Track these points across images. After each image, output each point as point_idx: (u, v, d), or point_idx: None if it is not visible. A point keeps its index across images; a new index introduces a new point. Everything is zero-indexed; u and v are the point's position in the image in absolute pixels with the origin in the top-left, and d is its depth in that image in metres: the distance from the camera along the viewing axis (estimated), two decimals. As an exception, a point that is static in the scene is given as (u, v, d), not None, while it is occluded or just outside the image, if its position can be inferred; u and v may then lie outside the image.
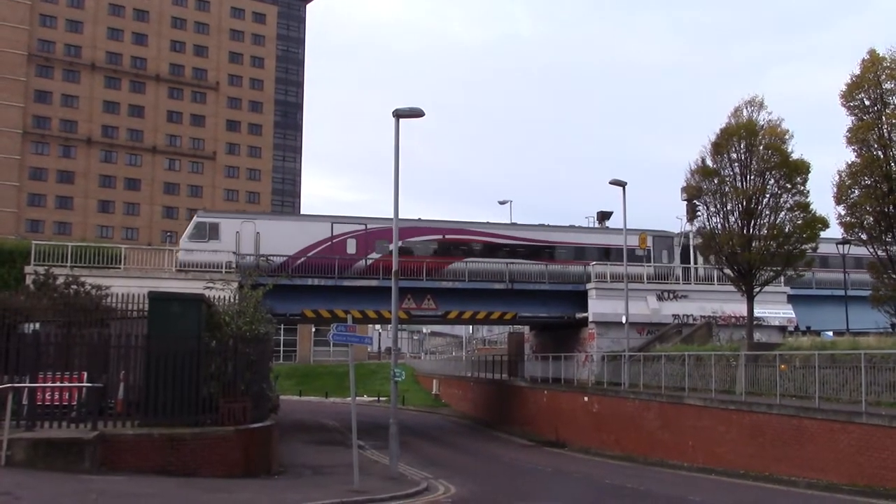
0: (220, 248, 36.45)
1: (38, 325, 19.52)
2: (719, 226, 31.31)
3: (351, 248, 39.58)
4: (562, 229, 45.82)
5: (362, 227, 40.44)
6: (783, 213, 30.15)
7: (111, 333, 18.94)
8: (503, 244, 42.58)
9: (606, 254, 43.59)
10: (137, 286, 27.26)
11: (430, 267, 40.03)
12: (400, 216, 24.49)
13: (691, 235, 43.82)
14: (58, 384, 17.13)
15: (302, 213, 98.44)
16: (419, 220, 42.64)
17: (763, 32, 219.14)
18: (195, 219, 39.84)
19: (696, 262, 43.12)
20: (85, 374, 17.22)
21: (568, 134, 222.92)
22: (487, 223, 44.17)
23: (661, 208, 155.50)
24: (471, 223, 43.79)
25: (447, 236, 42.25)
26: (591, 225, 51.22)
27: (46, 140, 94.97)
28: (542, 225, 45.63)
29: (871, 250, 27.72)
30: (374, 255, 39.35)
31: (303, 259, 38.25)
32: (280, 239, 38.38)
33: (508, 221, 48.48)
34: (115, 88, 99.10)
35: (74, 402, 17.27)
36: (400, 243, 39.39)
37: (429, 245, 41.60)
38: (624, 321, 36.30)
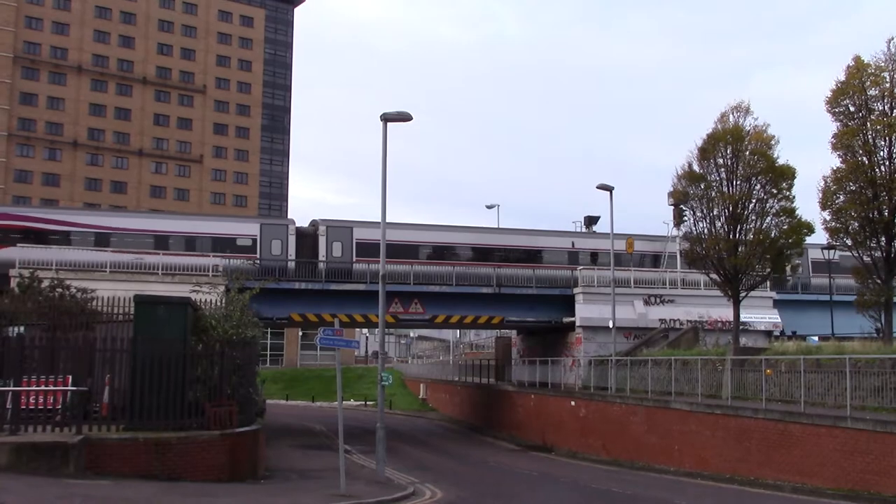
0: None
1: (22, 329, 19.38)
2: (706, 230, 31.48)
3: None
4: (131, 214, 42.48)
5: None
6: (769, 218, 30.38)
7: (96, 337, 18.83)
8: (56, 231, 37.79)
9: (192, 243, 39.32)
10: (123, 289, 27.12)
11: None
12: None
13: (322, 225, 41.01)
14: (42, 388, 17.02)
15: (281, 216, 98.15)
16: None
17: (750, 36, 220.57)
18: None
19: (327, 255, 39.97)
20: (70, 378, 17.11)
21: (556, 136, 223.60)
22: (40, 208, 40.58)
23: (648, 212, 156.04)
24: (18, 208, 40.38)
25: None
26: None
27: (32, 142, 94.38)
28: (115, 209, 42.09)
29: (856, 255, 27.95)
30: None
31: None
32: None
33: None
34: (101, 91, 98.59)
35: (59, 406, 17.15)
36: None
37: None
38: (611, 325, 36.37)
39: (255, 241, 39.55)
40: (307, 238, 40.85)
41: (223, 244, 38.65)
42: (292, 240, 40.11)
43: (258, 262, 38.82)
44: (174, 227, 40.19)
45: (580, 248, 45.50)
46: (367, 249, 38.69)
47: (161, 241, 38.89)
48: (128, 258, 35.09)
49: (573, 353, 40.38)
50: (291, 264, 39.39)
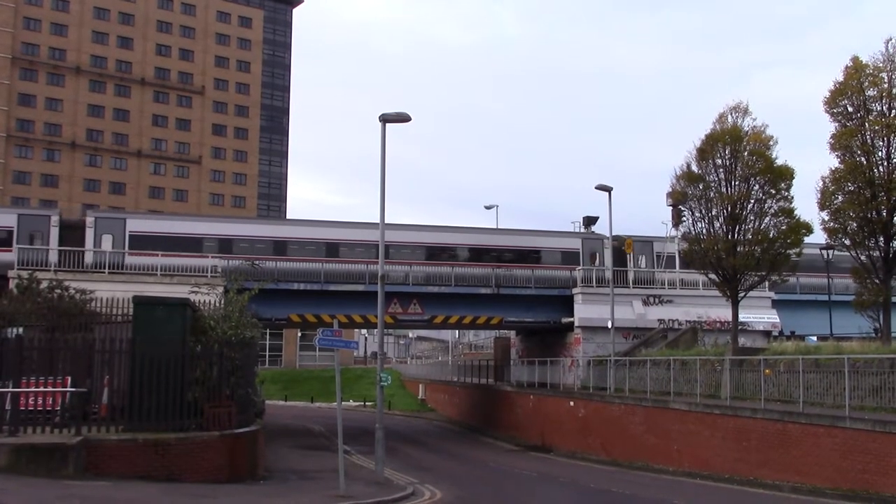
0: None
1: (21, 330, 19.38)
2: (704, 231, 31.49)
3: None
4: None
5: None
6: (767, 218, 30.39)
7: (95, 338, 18.83)
8: None
9: None
10: (122, 290, 27.13)
11: None
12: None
13: (91, 216, 38.52)
14: (41, 389, 17.02)
15: (286, 217, 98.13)
16: None
17: (750, 37, 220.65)
18: None
19: (94, 248, 36.80)
20: (69, 379, 17.10)
21: (555, 137, 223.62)
22: None
23: (647, 213, 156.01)
24: None
25: None
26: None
27: (30, 143, 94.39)
28: None
29: (855, 255, 27.98)
30: None
31: None
32: None
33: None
34: (99, 92, 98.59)
35: (58, 407, 17.16)
36: None
37: None
38: (610, 326, 36.39)
39: (10, 232, 36.53)
40: (74, 230, 38.14)
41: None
42: (55, 231, 37.15)
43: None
44: None
45: (392, 241, 40.90)
46: (143, 242, 37.15)
47: None
48: None
49: (572, 354, 40.39)
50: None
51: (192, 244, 38.51)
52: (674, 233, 42.00)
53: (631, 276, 42.32)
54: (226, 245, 39.37)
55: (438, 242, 42.96)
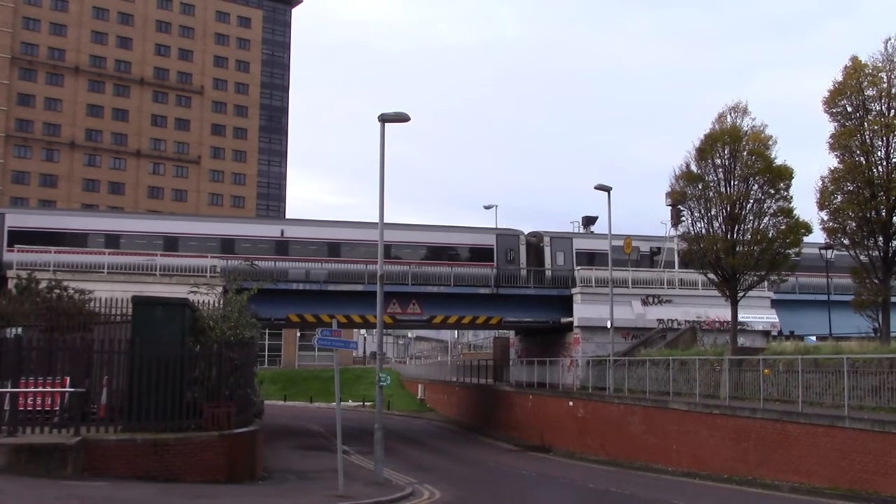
0: None
1: (20, 330, 19.37)
2: (703, 231, 31.49)
3: None
4: None
5: None
6: (767, 218, 30.36)
7: (94, 338, 18.83)
8: None
9: None
10: (121, 290, 27.13)
11: None
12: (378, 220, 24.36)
13: None
14: (40, 389, 17.02)
15: (279, 217, 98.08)
16: None
17: (750, 36, 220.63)
18: None
19: None
20: (68, 380, 17.10)
21: (555, 137, 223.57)
22: None
23: (646, 212, 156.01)
24: None
25: None
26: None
27: (29, 143, 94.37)
28: None
29: (854, 255, 27.98)
30: None
31: None
32: None
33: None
34: (98, 92, 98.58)
35: (57, 408, 17.15)
36: None
37: None
38: (609, 326, 36.40)
39: None
40: None
41: None
42: None
43: None
44: None
45: (292, 237, 41.18)
46: (25, 238, 36.03)
47: None
48: None
49: (571, 354, 40.39)
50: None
51: (77, 240, 37.66)
52: (673, 233, 41.94)
53: (548, 274, 42.20)
54: (113, 241, 38.37)
55: (344, 239, 41.76)
